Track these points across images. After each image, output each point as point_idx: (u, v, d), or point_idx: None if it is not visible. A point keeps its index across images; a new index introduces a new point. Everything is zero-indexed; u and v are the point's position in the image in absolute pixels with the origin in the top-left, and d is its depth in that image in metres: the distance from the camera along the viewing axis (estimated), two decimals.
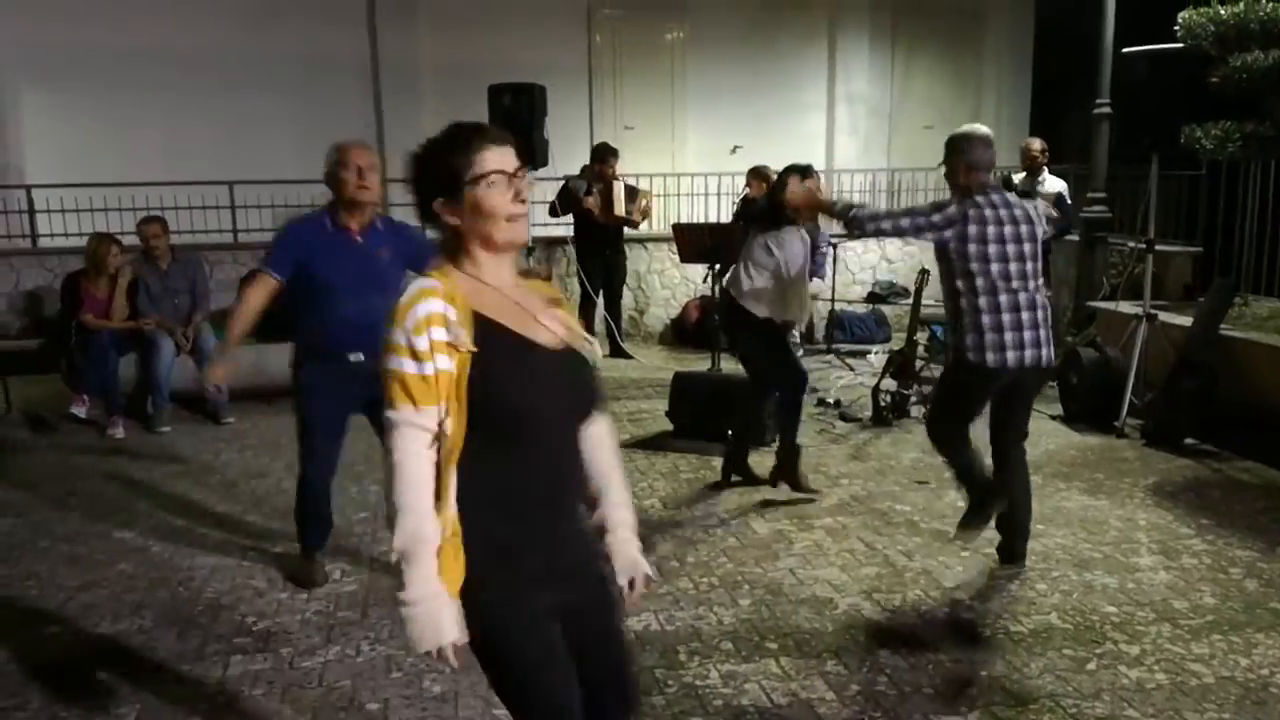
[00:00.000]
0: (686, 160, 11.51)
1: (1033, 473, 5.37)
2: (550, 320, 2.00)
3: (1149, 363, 6.53)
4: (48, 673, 3.54)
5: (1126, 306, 7.33)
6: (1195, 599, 4.04)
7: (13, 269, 8.97)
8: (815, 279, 8.85)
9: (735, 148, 11.13)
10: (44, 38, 9.86)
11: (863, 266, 10.91)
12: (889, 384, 6.92)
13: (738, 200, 9.20)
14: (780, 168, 5.41)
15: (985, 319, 4.02)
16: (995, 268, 4.02)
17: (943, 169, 4.31)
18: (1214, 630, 3.76)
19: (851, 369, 8.33)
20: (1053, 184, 7.95)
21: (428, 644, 1.85)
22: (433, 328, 1.84)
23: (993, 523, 4.37)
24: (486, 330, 1.90)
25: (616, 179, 8.77)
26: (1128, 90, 6.65)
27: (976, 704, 3.25)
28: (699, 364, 7.92)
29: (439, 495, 1.87)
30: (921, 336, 7.42)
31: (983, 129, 4.30)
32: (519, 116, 7.90)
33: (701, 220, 10.25)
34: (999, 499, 4.31)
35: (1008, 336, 4.02)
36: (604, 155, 8.74)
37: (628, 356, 9.07)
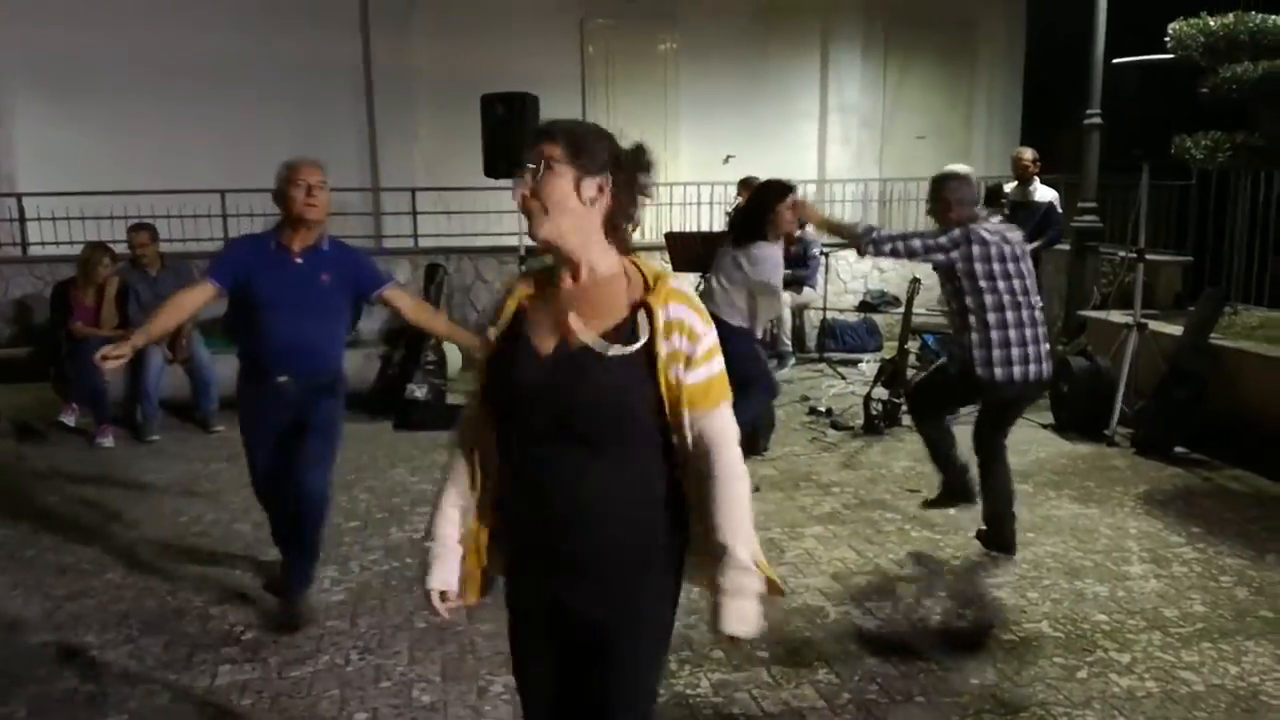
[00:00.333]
0: (679, 170, 11.53)
1: (1023, 481, 5.51)
2: (574, 324, 1.93)
3: (1139, 372, 6.55)
4: (35, 682, 3.51)
5: (1117, 316, 7.36)
6: (1185, 607, 4.04)
7: (3, 277, 8.94)
8: (807, 288, 8.91)
9: (728, 157, 11.16)
10: (36, 44, 9.87)
11: (854, 275, 10.92)
12: (880, 393, 6.92)
13: (730, 210, 9.23)
14: (769, 179, 5.49)
15: (994, 335, 4.24)
16: (1003, 284, 4.25)
17: (929, 214, 4.62)
18: (1204, 638, 3.77)
19: (843, 378, 8.34)
20: (1044, 193, 7.97)
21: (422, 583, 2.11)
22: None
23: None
24: (514, 328, 2.01)
25: None
26: (1118, 101, 6.68)
27: (968, 712, 3.24)
28: None
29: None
30: (913, 345, 7.43)
31: (962, 168, 4.52)
32: (511, 126, 7.92)
33: (694, 229, 10.27)
34: (967, 498, 4.74)
35: (1014, 352, 4.25)
36: None
37: None
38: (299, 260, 3.79)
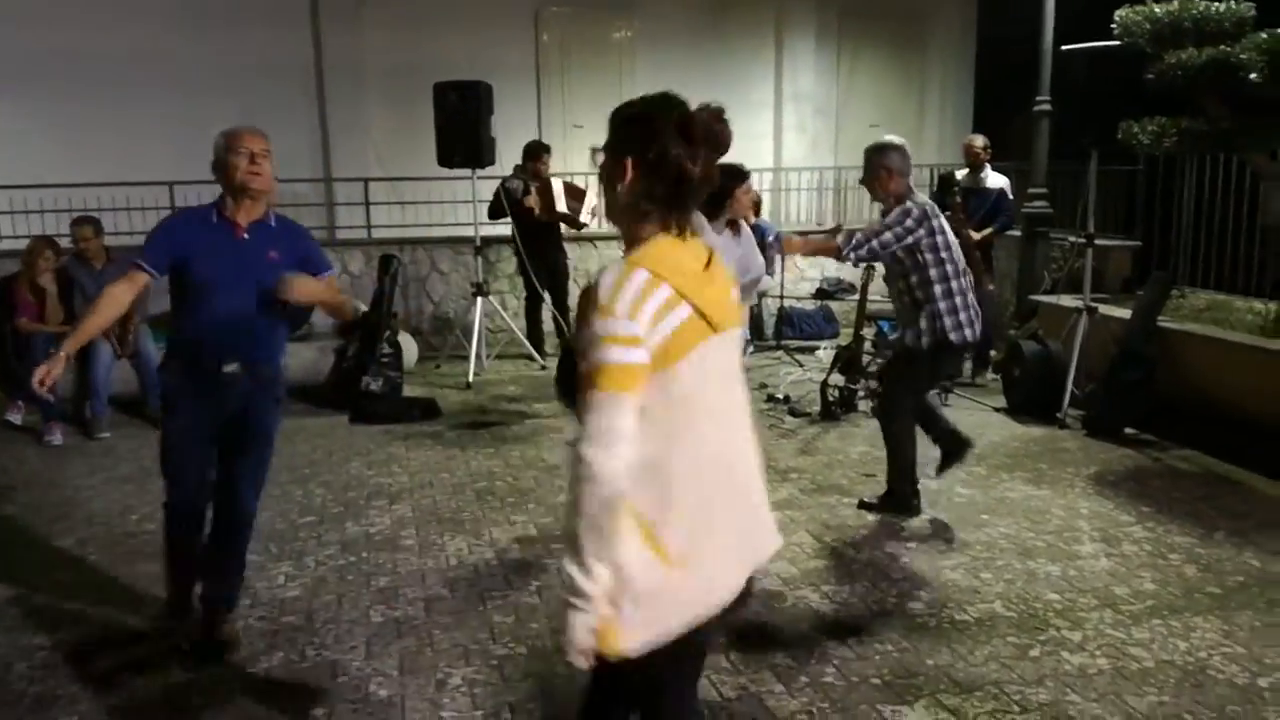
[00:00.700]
0: None
1: (976, 464, 5.61)
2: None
3: (1090, 355, 6.64)
4: None
5: (1067, 300, 7.46)
6: (1136, 585, 4.11)
7: None
8: (765, 276, 8.92)
9: None
10: None
11: (811, 263, 10.95)
12: (837, 379, 6.97)
13: None
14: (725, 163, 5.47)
15: (957, 300, 4.61)
16: (956, 254, 4.66)
17: (861, 183, 4.90)
18: (1154, 615, 3.83)
19: (800, 365, 8.39)
20: (995, 180, 8.05)
21: None
22: None
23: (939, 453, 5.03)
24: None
25: (551, 176, 8.69)
26: (1067, 87, 6.75)
27: (923, 693, 3.28)
28: None
29: None
30: (868, 332, 7.48)
31: (898, 139, 4.78)
32: (465, 115, 7.86)
33: None
34: (910, 512, 4.93)
35: (972, 312, 4.68)
36: (536, 152, 8.62)
37: None
38: (245, 235, 3.45)
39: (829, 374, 7.04)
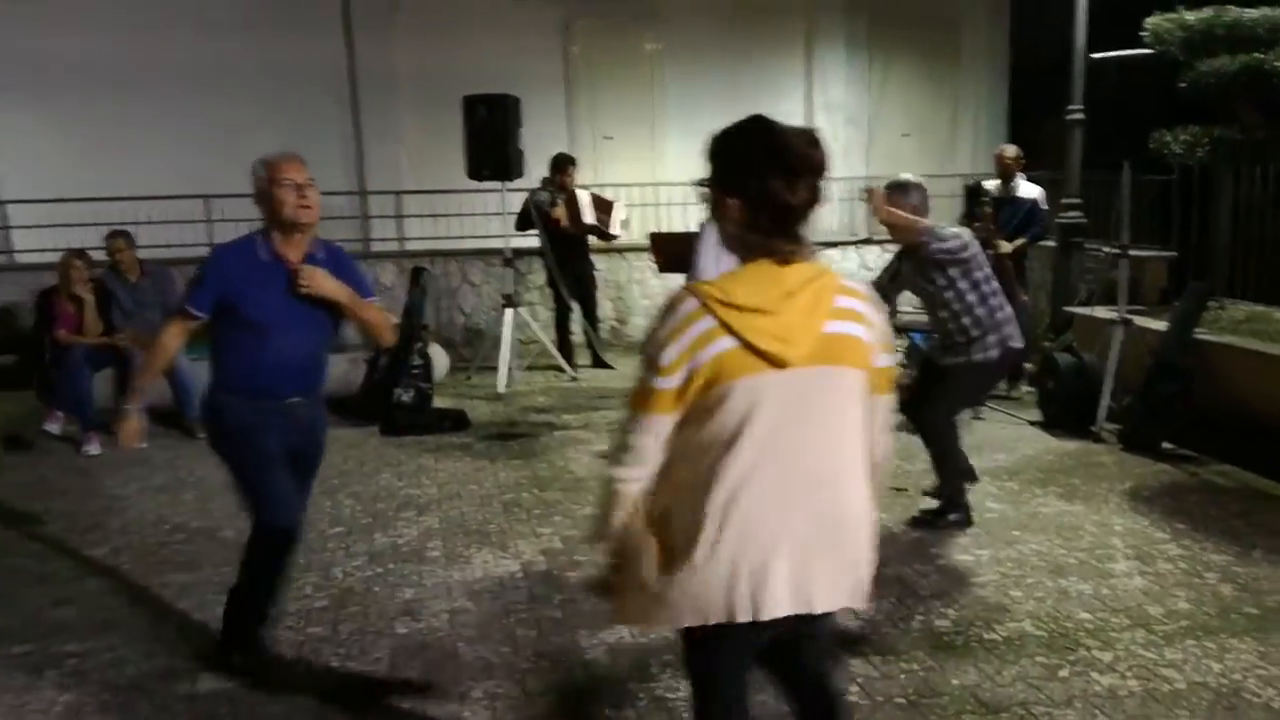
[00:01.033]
0: (666, 169, 11.52)
1: (1009, 479, 5.56)
2: None
3: (1126, 367, 6.55)
4: (12, 693, 3.49)
5: (1102, 312, 7.37)
6: (1170, 604, 4.04)
7: None
8: None
9: None
10: (19, 51, 9.83)
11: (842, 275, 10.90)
12: None
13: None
14: None
15: (1001, 314, 4.75)
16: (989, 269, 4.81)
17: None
18: (1188, 636, 3.76)
19: None
20: (1028, 190, 7.96)
21: None
22: None
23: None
24: None
25: (578, 188, 8.72)
26: (1099, 96, 6.69)
27: (948, 713, 3.24)
28: None
29: None
30: (900, 344, 7.42)
31: (914, 177, 4.88)
32: (493, 128, 7.91)
33: (682, 230, 10.26)
34: (967, 511, 4.95)
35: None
36: (562, 164, 8.67)
37: (609, 366, 9.05)
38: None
39: None
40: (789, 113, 12.04)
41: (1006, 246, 7.32)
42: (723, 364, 1.94)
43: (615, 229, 8.79)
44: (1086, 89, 7.46)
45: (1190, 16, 6.36)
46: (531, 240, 8.82)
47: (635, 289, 10.39)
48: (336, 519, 5.22)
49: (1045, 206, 8.03)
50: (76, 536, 5.05)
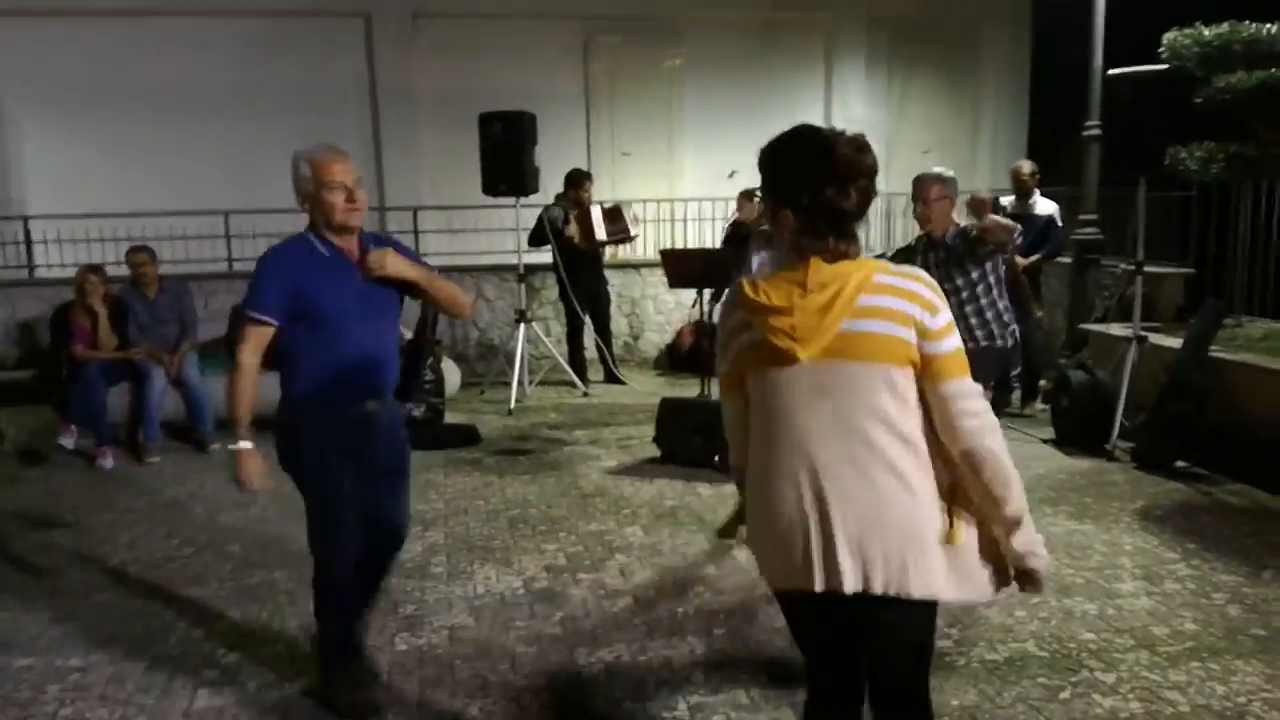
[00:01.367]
0: (684, 185, 11.54)
1: None
2: None
3: (1140, 385, 6.48)
4: (15, 706, 3.52)
5: (1117, 328, 7.29)
6: (1176, 625, 3.98)
7: (9, 300, 9.01)
8: None
9: (732, 172, 11.14)
10: (43, 68, 10.00)
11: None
12: None
13: (729, 223, 9.22)
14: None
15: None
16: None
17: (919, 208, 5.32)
18: (1193, 657, 3.71)
19: None
20: (1044, 206, 7.92)
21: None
22: None
23: None
24: None
25: (592, 204, 8.76)
26: (1114, 112, 6.63)
27: None
28: (692, 389, 7.90)
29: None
30: None
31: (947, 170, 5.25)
32: (509, 144, 7.97)
33: (699, 245, 10.27)
34: None
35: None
36: (578, 180, 8.72)
37: (621, 382, 9.05)
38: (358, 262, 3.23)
39: None
40: None
41: (1021, 262, 7.28)
42: (749, 355, 2.14)
43: (632, 230, 8.86)
44: (1104, 104, 7.40)
45: (1207, 32, 6.31)
46: (545, 256, 8.85)
47: (649, 304, 10.39)
48: None
49: (1061, 223, 7.98)
50: (87, 550, 5.10)
